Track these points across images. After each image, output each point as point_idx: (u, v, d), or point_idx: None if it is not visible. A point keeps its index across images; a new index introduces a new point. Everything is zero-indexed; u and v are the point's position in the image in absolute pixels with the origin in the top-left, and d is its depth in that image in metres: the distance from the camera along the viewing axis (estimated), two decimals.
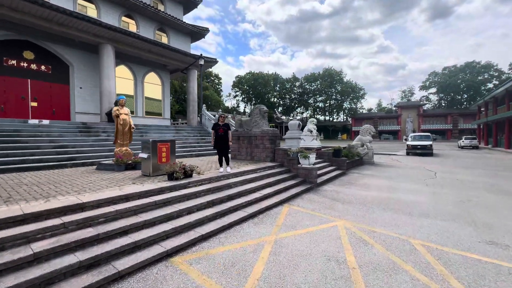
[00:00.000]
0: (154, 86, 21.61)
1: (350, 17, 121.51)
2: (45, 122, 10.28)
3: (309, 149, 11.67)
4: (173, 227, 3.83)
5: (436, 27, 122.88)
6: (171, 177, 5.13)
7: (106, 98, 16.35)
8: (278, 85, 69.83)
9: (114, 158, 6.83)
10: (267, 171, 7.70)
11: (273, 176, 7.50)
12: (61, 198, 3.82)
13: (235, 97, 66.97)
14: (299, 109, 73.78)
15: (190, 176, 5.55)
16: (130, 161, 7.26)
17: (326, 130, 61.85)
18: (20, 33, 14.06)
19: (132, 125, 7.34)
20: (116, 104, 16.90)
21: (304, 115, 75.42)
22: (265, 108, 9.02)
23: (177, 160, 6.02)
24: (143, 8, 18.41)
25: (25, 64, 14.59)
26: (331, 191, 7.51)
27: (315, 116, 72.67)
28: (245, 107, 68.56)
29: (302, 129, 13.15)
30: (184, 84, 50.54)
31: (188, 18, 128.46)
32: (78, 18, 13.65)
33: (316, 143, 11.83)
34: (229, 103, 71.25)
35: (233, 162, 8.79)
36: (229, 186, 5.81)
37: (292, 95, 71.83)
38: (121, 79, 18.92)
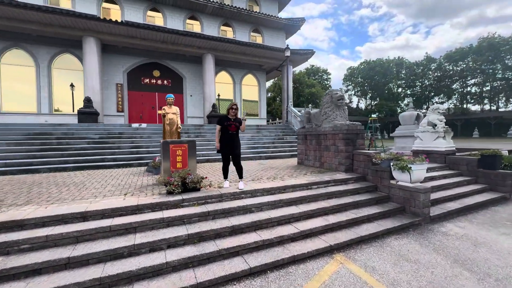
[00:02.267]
0: (250, 87, 21.96)
1: None
2: (143, 125, 12.00)
3: (430, 152, 7.40)
4: (90, 278, 2.42)
5: None
6: (169, 190, 3.86)
7: (208, 102, 17.90)
8: (403, 72, 56.32)
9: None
10: (331, 187, 4.98)
11: (338, 197, 4.74)
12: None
13: (346, 91, 59.87)
14: (436, 98, 56.39)
15: (195, 190, 4.06)
16: None
17: (484, 125, 43.54)
18: (150, 57, 17.63)
19: (179, 125, 6.80)
20: (213, 106, 18.29)
21: (445, 105, 57.01)
22: (339, 93, 6.10)
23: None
24: (238, 13, 18.88)
25: (154, 81, 18.20)
26: (458, 238, 3.83)
27: (463, 105, 53.13)
28: (358, 102, 60.04)
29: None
30: (292, 84, 50.38)
31: (293, 14, 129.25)
32: (183, 35, 15.44)
33: (444, 144, 7.29)
34: None
35: (294, 170, 6.53)
36: (244, 210, 3.84)
37: (426, 81, 55.75)
38: (221, 84, 20.35)
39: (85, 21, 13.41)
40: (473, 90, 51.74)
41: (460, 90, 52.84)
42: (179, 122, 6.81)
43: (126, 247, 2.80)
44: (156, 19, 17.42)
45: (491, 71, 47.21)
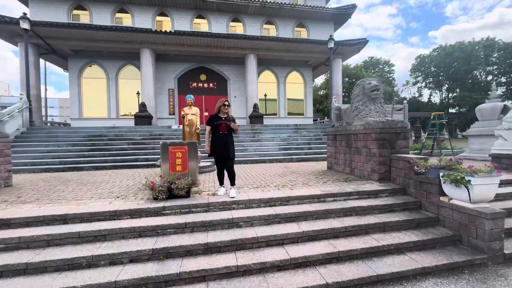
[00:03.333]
0: (295, 85, 20.96)
1: None
2: (181, 127, 12.51)
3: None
4: None
5: None
6: (154, 196, 3.60)
7: (250, 102, 17.83)
8: (494, 55, 45.22)
9: None
10: (353, 201, 3.91)
11: (360, 215, 3.66)
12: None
13: (414, 84, 51.55)
14: None
15: (183, 196, 3.68)
16: (200, 165, 6.59)
17: None
18: (198, 62, 18.60)
19: (198, 126, 6.64)
20: (254, 106, 18.05)
21: None
22: (374, 83, 4.78)
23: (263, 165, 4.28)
24: (280, 9, 18.17)
25: (201, 84, 19.15)
26: None
27: None
28: (430, 95, 51.00)
29: None
30: (347, 79, 46.51)
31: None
32: (224, 37, 15.72)
33: None
34: (407, 93, 56.80)
35: (317, 176, 5.56)
36: (230, 224, 3.24)
37: None
38: (265, 83, 20.01)
39: (140, 35, 14.94)
40: None
41: None
42: (198, 123, 6.67)
43: (85, 257, 2.60)
44: (202, 25, 18.23)
45: None
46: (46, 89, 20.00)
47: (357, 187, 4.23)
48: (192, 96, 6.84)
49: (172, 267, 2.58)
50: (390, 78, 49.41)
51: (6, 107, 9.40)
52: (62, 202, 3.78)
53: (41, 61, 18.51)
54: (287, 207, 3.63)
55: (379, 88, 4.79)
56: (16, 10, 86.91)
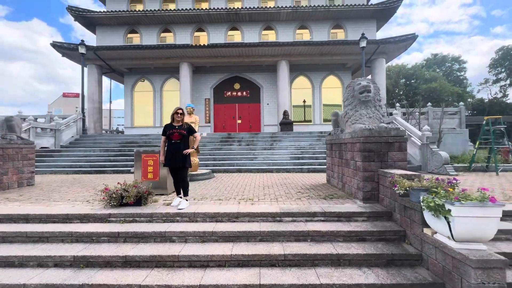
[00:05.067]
0: (332, 90, 19.68)
1: None
2: (204, 134, 12.92)
3: None
4: None
5: None
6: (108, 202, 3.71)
7: (281, 109, 17.48)
8: None
9: None
10: (314, 224, 3.25)
11: (316, 241, 3.03)
12: None
13: (495, 81, 42.23)
14: None
15: (137, 204, 3.68)
16: (194, 173, 6.67)
17: None
18: (232, 72, 19.28)
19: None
20: (284, 113, 17.54)
21: None
22: (363, 83, 3.91)
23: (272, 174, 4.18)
24: (313, 12, 17.45)
25: (235, 93, 19.72)
26: None
27: None
28: None
29: None
30: (404, 81, 41.49)
31: None
32: (254, 46, 15.95)
33: None
34: (485, 93, 47.24)
35: (305, 190, 4.91)
36: (163, 238, 3.06)
37: None
38: (299, 90, 19.39)
39: (178, 50, 16.35)
40: None
41: None
42: (196, 131, 6.77)
43: (17, 257, 2.81)
44: (236, 36, 18.88)
45: None
46: (110, 102, 23.54)
47: (329, 207, 3.54)
48: (192, 105, 7.00)
49: (81, 277, 2.55)
50: (461, 77, 42.08)
51: (65, 118, 11.42)
52: (44, 202, 4.26)
53: (107, 79, 22.07)
54: (232, 224, 3.27)
55: (369, 89, 3.96)
56: (90, 38, 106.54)
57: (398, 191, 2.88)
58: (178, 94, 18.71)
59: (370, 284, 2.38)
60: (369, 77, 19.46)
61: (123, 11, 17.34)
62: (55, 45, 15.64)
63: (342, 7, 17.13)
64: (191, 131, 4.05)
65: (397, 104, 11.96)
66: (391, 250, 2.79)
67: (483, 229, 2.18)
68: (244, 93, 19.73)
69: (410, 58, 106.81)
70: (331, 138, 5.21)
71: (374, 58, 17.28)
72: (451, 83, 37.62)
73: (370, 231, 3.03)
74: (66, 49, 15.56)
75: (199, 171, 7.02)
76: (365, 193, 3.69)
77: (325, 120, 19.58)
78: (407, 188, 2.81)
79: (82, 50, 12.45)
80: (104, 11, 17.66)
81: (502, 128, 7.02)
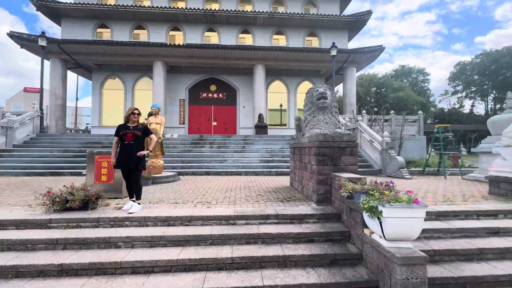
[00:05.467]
0: (277, 94, 20.20)
1: None
2: (175, 135, 12.64)
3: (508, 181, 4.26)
4: None
5: None
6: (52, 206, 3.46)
7: (257, 112, 17.59)
8: None
9: None
10: (266, 226, 3.32)
11: (266, 243, 3.07)
12: None
13: (454, 93, 46.37)
14: None
15: (84, 208, 3.48)
16: (158, 175, 6.46)
17: None
18: (208, 73, 19.06)
19: (160, 135, 6.52)
20: (259, 117, 17.74)
21: None
22: (320, 90, 4.09)
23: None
24: (289, 19, 17.90)
25: (211, 95, 19.50)
26: None
27: None
28: (472, 106, 45.36)
29: None
30: (375, 89, 43.89)
31: (384, 13, 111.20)
32: (230, 49, 15.93)
33: None
34: (445, 103, 51.60)
35: (265, 193, 4.98)
36: (107, 244, 2.92)
37: None
38: (275, 94, 19.69)
39: (152, 48, 15.84)
40: None
41: None
42: (161, 132, 6.58)
43: None
44: (212, 38, 18.75)
45: None
46: (77, 99, 22.11)
47: (284, 210, 3.62)
48: (158, 105, 6.81)
49: None
50: (425, 88, 45.51)
51: (21, 114, 10.50)
52: None
53: (74, 75, 20.71)
54: (183, 228, 3.20)
55: (326, 96, 4.14)
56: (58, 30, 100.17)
57: (343, 194, 3.03)
58: (151, 93, 18.08)
59: (311, 284, 2.46)
60: (341, 84, 20.35)
61: (92, 4, 16.44)
62: (12, 35, 14.37)
63: (316, 16, 17.78)
64: (146, 132, 3.93)
65: (363, 111, 12.60)
66: (335, 250, 2.92)
67: (410, 228, 2.35)
68: (221, 95, 19.62)
69: (382, 68, 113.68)
70: (294, 142, 5.35)
71: (346, 66, 18.10)
72: (416, 93, 40.54)
73: (318, 232, 3.14)
74: (26, 40, 14.37)
75: (164, 173, 6.81)
76: (319, 196, 3.83)
77: (271, 125, 20.06)
78: (351, 191, 2.96)
79: (42, 42, 11.56)
80: (70, 3, 16.62)
81: (450, 136, 7.78)
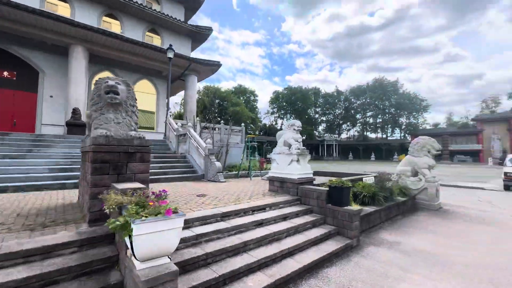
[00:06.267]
0: (146, 96, 18.40)
1: (407, 27, 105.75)
2: None
3: (284, 181, 5.55)
4: None
5: None
6: None
7: (73, 106, 13.39)
8: (320, 100, 62.36)
9: None
10: None
11: None
12: None
13: (272, 113, 61.99)
14: (344, 125, 64.09)
15: None
16: None
17: (379, 150, 50.77)
18: None
19: None
20: (74, 112, 13.91)
21: (351, 132, 65.20)
22: (110, 83, 3.47)
23: None
24: (125, 4, 15.58)
25: None
26: None
27: (364, 132, 61.58)
28: (282, 124, 62.78)
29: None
30: (218, 101, 48.41)
31: (231, 38, 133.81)
32: (22, 10, 11.09)
33: (297, 170, 5.58)
34: (268, 120, 66.96)
35: (39, 216, 3.45)
36: None
37: (337, 110, 63.04)
38: None
39: None
40: (370, 121, 60.93)
41: (362, 120, 61.52)
42: None
43: None
44: None
45: (381, 106, 56.72)
46: None
47: (20, 244, 2.44)
48: None
49: None
50: (255, 106, 56.35)
51: None
52: None
53: None
54: None
55: (116, 91, 3.46)
56: None
57: (106, 210, 2.42)
58: None
59: None
60: (183, 91, 20.39)
61: None
62: None
63: (158, 13, 16.77)
64: None
65: (197, 119, 13.12)
66: (89, 285, 2.22)
67: (166, 242, 2.13)
68: (7, 74, 13.34)
69: (227, 84, 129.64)
70: (82, 145, 4.14)
71: (188, 73, 18.33)
72: (248, 109, 49.25)
73: (69, 267, 2.31)
74: None
75: None
76: (91, 214, 3.00)
77: (141, 127, 17.82)
78: (119, 205, 2.42)
79: None
80: None
81: (255, 145, 9.85)
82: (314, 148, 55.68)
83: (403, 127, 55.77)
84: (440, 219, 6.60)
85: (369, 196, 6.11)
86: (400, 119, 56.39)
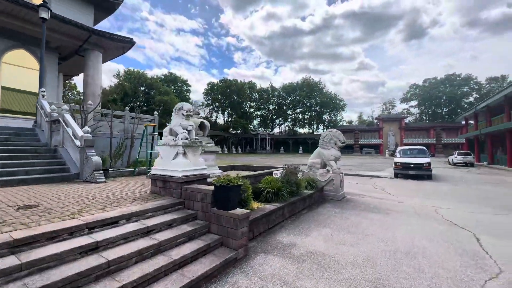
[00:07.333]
0: (25, 70, 13.95)
1: (331, 35, 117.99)
2: None
3: (166, 180, 4.23)
4: None
5: (411, 48, 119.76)
6: None
7: None
8: (255, 95, 63.23)
9: None
10: None
11: None
12: None
13: (207, 105, 59.30)
14: (277, 120, 67.19)
15: None
16: None
17: (306, 144, 55.15)
18: None
19: None
20: None
21: (283, 127, 68.97)
22: None
23: None
24: None
25: None
26: None
27: (294, 128, 66.01)
28: (216, 117, 61.06)
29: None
30: (143, 88, 42.81)
31: (163, 21, 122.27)
32: None
33: (182, 166, 4.39)
34: (202, 112, 64.02)
35: None
36: None
37: (271, 105, 65.35)
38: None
39: None
40: (300, 117, 65.68)
41: (292, 115, 65.65)
42: None
43: None
44: None
45: (309, 104, 61.73)
46: None
47: None
48: None
49: None
50: (187, 97, 52.69)
51: None
52: None
53: None
54: None
55: None
56: None
57: None
58: None
59: None
60: (85, 71, 16.43)
61: None
62: None
63: None
64: None
65: (91, 103, 10.38)
66: None
67: None
68: None
69: (158, 71, 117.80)
70: None
71: (89, 48, 14.76)
72: (179, 100, 45.46)
73: None
74: None
75: None
76: None
77: (8, 111, 13.36)
78: None
79: None
80: None
81: (155, 135, 8.24)
82: (249, 142, 56.31)
83: (326, 123, 62.23)
84: (340, 209, 6.62)
85: (273, 192, 5.49)
86: (323, 116, 62.65)
